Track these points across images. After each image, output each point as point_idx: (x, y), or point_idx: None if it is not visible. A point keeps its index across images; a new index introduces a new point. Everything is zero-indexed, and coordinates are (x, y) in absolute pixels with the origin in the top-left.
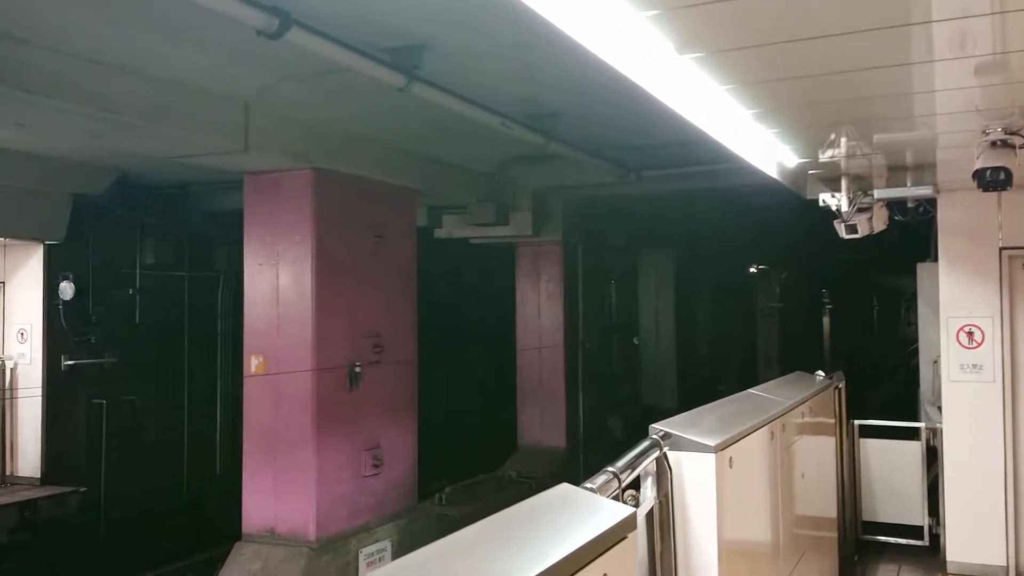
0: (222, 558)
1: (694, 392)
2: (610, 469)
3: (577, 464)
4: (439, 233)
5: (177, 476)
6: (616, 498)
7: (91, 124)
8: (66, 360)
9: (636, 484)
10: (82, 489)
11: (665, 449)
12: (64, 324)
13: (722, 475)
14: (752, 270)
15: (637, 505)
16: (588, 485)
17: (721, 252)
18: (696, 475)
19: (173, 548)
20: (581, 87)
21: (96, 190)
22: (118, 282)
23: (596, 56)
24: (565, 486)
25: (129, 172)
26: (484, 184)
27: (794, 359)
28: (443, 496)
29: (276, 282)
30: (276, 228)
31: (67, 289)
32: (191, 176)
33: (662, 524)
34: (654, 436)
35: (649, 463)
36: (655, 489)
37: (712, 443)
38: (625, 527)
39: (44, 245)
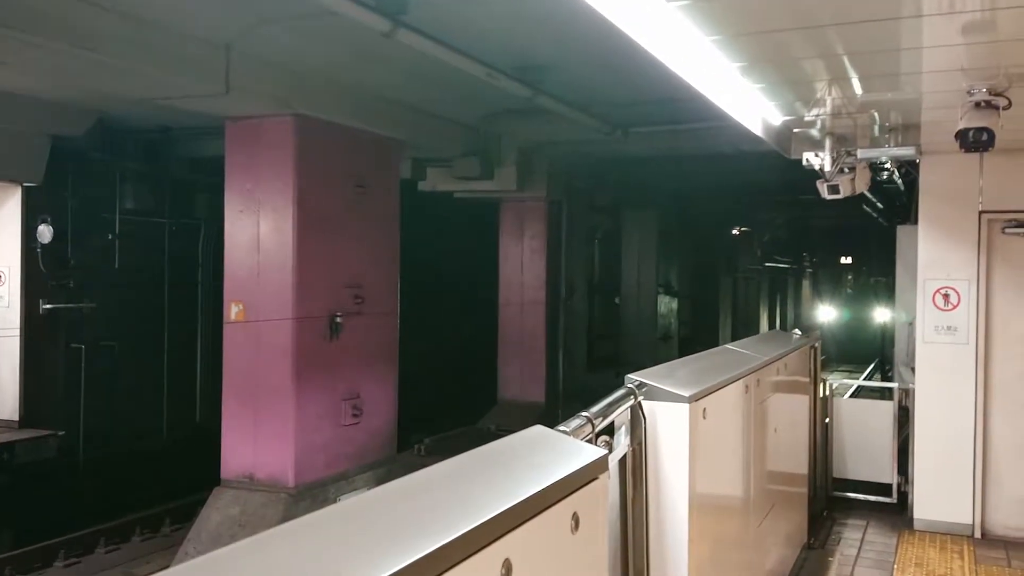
0: (201, 503)
1: (673, 350)
2: (585, 414)
3: (555, 419)
4: (423, 186)
5: (156, 422)
6: (589, 442)
7: (71, 62)
8: (44, 304)
9: (610, 432)
10: (60, 433)
11: (640, 398)
12: (42, 267)
13: (695, 425)
14: (735, 232)
15: (611, 451)
16: (562, 428)
17: (704, 214)
18: (670, 424)
19: (151, 493)
20: (569, 39)
21: (75, 132)
22: (97, 227)
23: (583, 1)
24: (539, 428)
25: (109, 115)
26: (469, 137)
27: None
28: (422, 447)
29: (257, 230)
30: (257, 175)
31: (45, 232)
32: (172, 121)
33: (635, 471)
34: (629, 385)
35: (624, 411)
36: (628, 437)
37: (687, 393)
38: (597, 468)
39: (22, 187)
